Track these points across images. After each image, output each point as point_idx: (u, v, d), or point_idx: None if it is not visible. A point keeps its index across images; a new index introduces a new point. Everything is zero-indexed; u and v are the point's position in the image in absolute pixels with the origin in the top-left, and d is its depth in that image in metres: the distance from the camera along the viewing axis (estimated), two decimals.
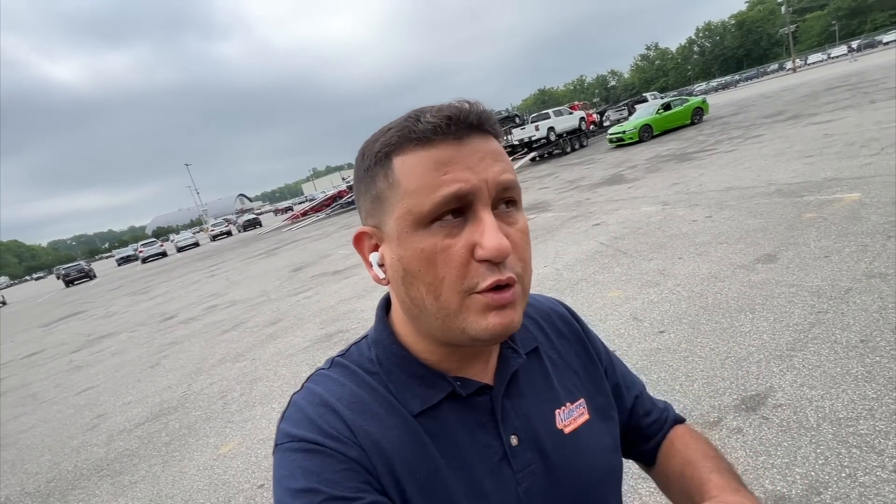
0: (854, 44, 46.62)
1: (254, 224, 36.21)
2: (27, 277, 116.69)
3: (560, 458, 0.48)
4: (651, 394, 0.67)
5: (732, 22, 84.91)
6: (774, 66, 67.15)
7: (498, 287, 0.40)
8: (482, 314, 0.40)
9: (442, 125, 0.40)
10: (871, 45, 52.58)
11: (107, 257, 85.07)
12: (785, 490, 1.64)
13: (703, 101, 17.01)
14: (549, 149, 18.65)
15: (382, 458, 0.42)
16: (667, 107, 16.24)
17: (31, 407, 4.99)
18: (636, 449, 0.62)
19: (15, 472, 3.43)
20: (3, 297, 33.89)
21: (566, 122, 18.79)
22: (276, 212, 63.63)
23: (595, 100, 75.57)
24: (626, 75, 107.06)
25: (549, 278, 4.52)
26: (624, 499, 0.57)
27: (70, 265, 32.71)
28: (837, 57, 51.86)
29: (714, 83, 64.03)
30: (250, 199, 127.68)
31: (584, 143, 19.78)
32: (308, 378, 0.50)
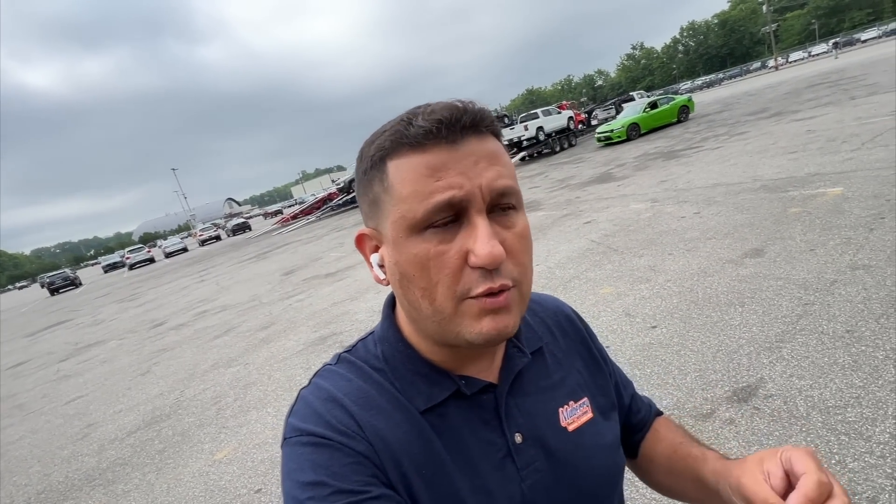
0: (837, 41, 47.65)
1: (243, 228, 35.83)
2: (10, 287, 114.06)
3: (564, 456, 0.49)
4: (646, 388, 0.69)
5: (716, 21, 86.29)
6: (757, 64, 68.34)
7: (491, 293, 0.40)
8: (477, 319, 0.40)
9: (433, 129, 0.39)
10: (850, 43, 53.84)
11: (93, 264, 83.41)
12: None
13: (689, 100, 17.25)
14: (539, 148, 18.76)
15: (389, 453, 0.43)
16: (653, 105, 16.43)
17: (18, 418, 4.88)
18: (624, 444, 0.64)
19: (3, 484, 3.36)
20: None
21: (555, 121, 18.92)
22: (266, 215, 63.06)
23: (583, 99, 76.14)
24: (613, 74, 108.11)
25: (541, 276, 4.55)
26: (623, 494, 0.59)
27: (55, 273, 32.03)
28: (818, 54, 52.94)
29: (699, 81, 64.98)
30: (239, 203, 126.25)
31: (573, 143, 19.94)
32: (315, 373, 0.50)
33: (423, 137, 0.39)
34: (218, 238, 34.62)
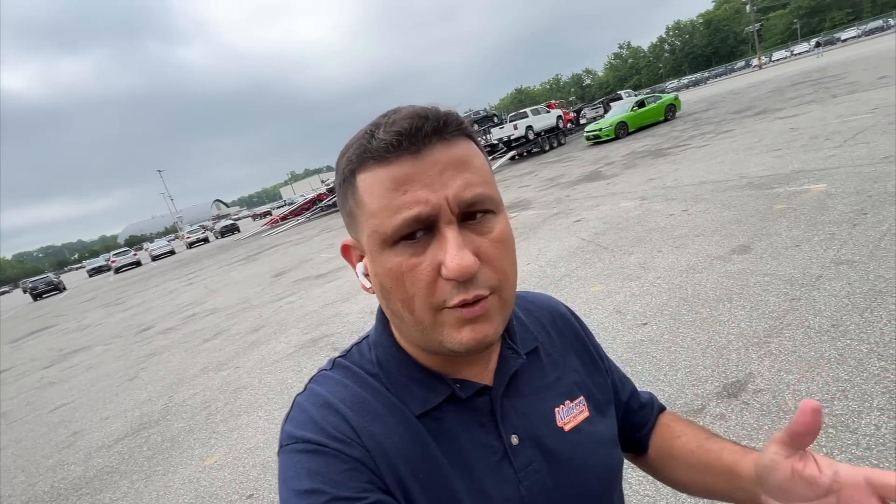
0: (820, 40, 48.60)
1: (231, 230, 35.45)
2: None
3: (561, 456, 0.49)
4: (637, 385, 0.69)
5: (701, 21, 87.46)
6: (741, 63, 69.40)
7: (466, 304, 0.39)
8: (456, 328, 0.40)
9: (394, 142, 0.38)
10: (831, 42, 54.90)
11: (77, 268, 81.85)
12: None
13: (676, 98, 17.47)
14: (528, 147, 18.84)
15: (385, 458, 0.43)
16: (641, 104, 16.60)
17: (1, 427, 4.77)
18: (629, 440, 0.64)
19: None
20: None
21: (544, 120, 19.02)
22: (255, 217, 62.45)
23: (571, 98, 76.67)
24: (601, 74, 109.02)
25: (532, 275, 4.56)
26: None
27: (37, 278, 31.40)
28: (800, 53, 53.95)
29: (685, 80, 65.86)
30: (227, 205, 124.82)
31: (562, 141, 20.05)
32: (311, 379, 0.50)
33: (384, 151, 0.39)
34: (206, 240, 34.20)
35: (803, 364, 2.19)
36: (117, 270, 30.03)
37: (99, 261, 38.44)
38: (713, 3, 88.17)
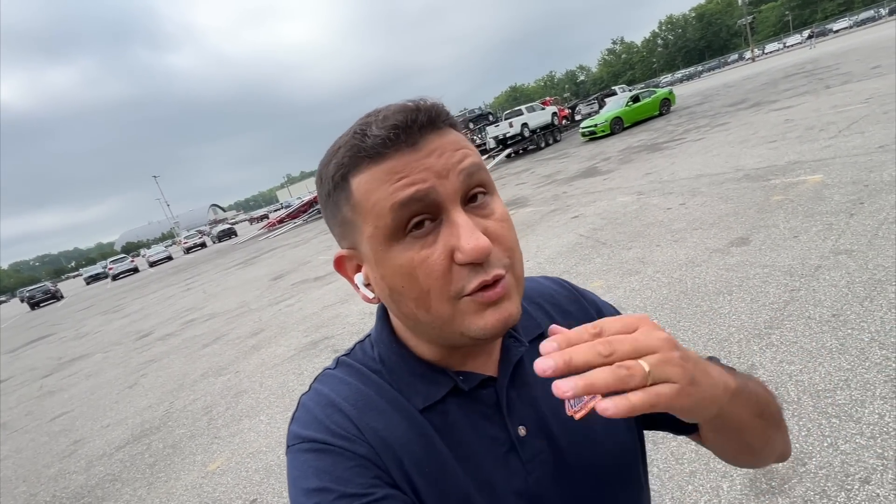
0: (814, 31, 48.74)
1: (229, 234, 35.32)
2: None
3: (570, 445, 0.48)
4: None
5: (693, 15, 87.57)
6: (734, 56, 69.54)
7: (486, 286, 0.39)
8: (478, 314, 0.40)
9: (391, 136, 0.38)
10: (823, 34, 55.06)
11: (74, 276, 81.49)
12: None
13: (670, 93, 17.47)
14: (524, 145, 18.82)
15: (390, 454, 0.43)
16: (636, 99, 16.60)
17: (1, 437, 4.74)
18: (667, 420, 0.52)
19: None
20: None
21: (539, 117, 19.00)
22: (252, 220, 62.20)
23: (566, 95, 76.77)
24: (595, 70, 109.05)
25: (531, 272, 4.55)
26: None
27: (34, 287, 31.26)
28: (793, 45, 54.08)
29: (679, 74, 65.87)
30: (224, 209, 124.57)
31: (558, 138, 20.04)
32: (315, 378, 0.51)
33: (381, 147, 0.38)
34: (203, 245, 34.12)
35: (805, 355, 2.19)
36: (115, 278, 29.91)
37: (96, 268, 38.34)
38: None
